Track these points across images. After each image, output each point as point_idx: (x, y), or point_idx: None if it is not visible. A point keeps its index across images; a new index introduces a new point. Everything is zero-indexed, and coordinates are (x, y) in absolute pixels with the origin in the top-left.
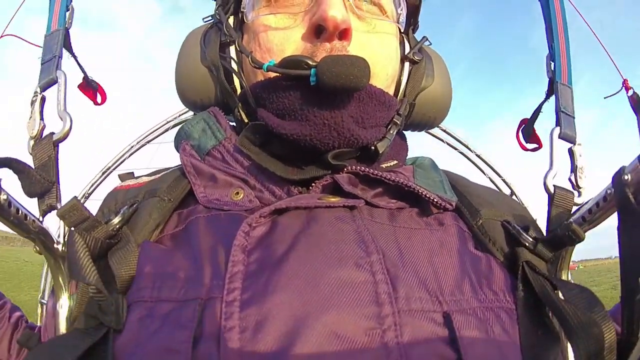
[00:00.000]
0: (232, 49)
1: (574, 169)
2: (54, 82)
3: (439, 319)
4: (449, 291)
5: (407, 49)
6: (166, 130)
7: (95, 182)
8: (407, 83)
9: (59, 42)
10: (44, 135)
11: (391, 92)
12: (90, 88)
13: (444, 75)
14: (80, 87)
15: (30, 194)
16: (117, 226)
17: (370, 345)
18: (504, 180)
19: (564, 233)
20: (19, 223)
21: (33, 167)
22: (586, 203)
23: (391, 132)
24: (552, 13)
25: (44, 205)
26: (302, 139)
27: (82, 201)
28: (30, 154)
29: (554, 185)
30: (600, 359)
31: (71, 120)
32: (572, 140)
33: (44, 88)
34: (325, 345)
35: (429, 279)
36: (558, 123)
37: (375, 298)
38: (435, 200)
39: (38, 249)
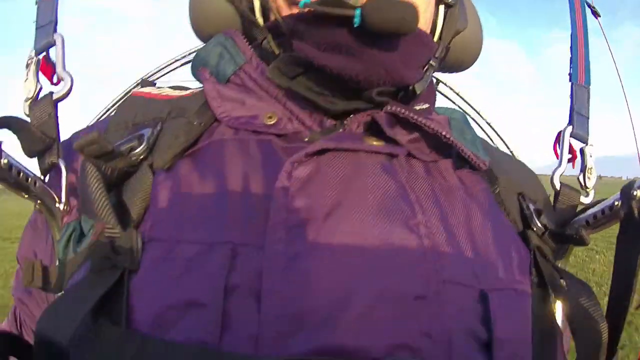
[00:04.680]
0: None
1: (583, 168)
2: (51, 45)
3: (476, 296)
4: (486, 268)
5: None
6: (174, 69)
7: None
8: (442, 27)
9: (53, 7)
10: (41, 96)
11: None
12: (50, 66)
13: (475, 18)
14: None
15: (30, 153)
16: (142, 156)
17: (418, 312)
18: (511, 152)
19: (571, 234)
20: (20, 185)
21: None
22: (593, 207)
23: (427, 73)
24: (572, 14)
25: (45, 164)
26: (348, 74)
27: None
28: (27, 114)
29: (560, 183)
30: (596, 357)
31: (71, 79)
32: (584, 140)
33: (40, 51)
34: (376, 309)
35: (468, 251)
36: (571, 122)
37: (424, 263)
38: (471, 158)
39: (39, 207)
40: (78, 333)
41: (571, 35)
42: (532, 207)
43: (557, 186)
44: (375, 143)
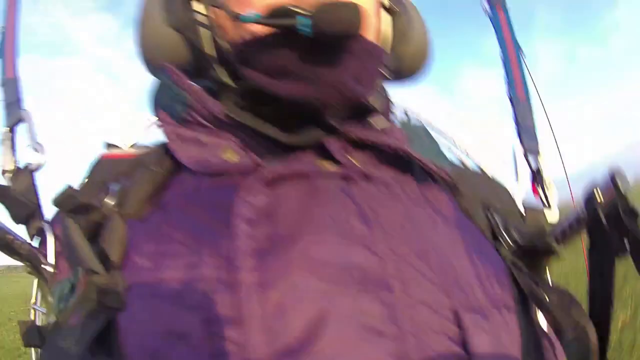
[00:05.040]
0: (199, 5)
1: (540, 182)
2: (21, 120)
3: (449, 316)
4: (458, 285)
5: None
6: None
7: None
8: (392, 36)
9: (18, 87)
10: (20, 168)
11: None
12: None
13: (421, 22)
14: None
15: (17, 219)
16: (115, 209)
17: (388, 332)
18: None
19: (543, 248)
20: (8, 246)
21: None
22: (560, 224)
23: (380, 85)
24: (502, 44)
25: (32, 229)
26: (301, 99)
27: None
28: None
29: (523, 206)
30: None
31: (44, 150)
32: (535, 152)
33: (11, 126)
34: (347, 335)
35: (437, 268)
36: (519, 138)
37: (387, 284)
38: (433, 169)
39: (29, 269)
40: None
41: (503, 61)
42: (500, 221)
43: (522, 210)
44: (329, 167)
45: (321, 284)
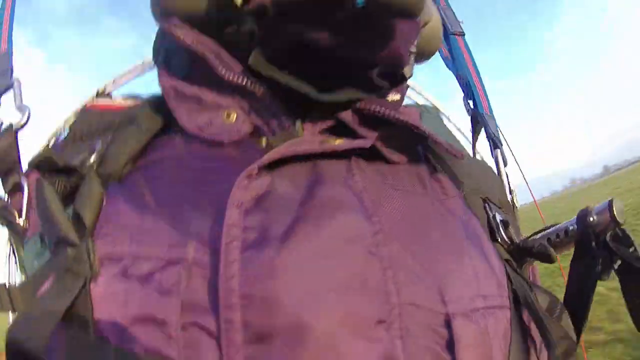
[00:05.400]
0: None
1: (510, 190)
2: (9, 87)
3: (440, 321)
4: (453, 289)
5: None
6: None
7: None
8: None
9: (8, 57)
10: (3, 129)
11: None
12: None
13: (436, 11)
14: None
15: None
16: (95, 168)
17: (379, 337)
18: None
19: (539, 251)
20: None
21: None
22: (547, 231)
23: (411, 58)
24: (460, 57)
25: (8, 184)
26: (344, 52)
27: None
28: None
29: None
30: None
31: (29, 110)
32: (506, 163)
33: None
34: (338, 337)
35: (433, 270)
36: (497, 146)
37: (385, 285)
38: (446, 147)
39: (2, 223)
40: (50, 343)
41: (466, 83)
42: (498, 217)
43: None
44: (336, 143)
45: (309, 285)
